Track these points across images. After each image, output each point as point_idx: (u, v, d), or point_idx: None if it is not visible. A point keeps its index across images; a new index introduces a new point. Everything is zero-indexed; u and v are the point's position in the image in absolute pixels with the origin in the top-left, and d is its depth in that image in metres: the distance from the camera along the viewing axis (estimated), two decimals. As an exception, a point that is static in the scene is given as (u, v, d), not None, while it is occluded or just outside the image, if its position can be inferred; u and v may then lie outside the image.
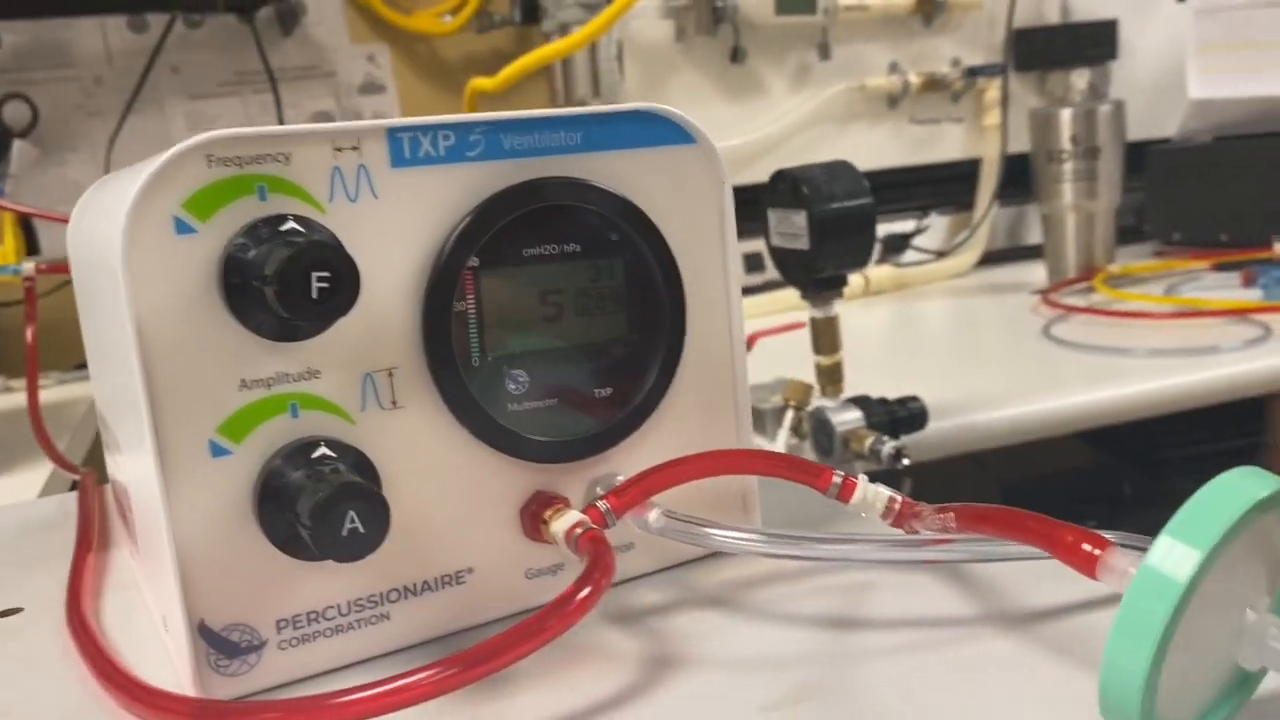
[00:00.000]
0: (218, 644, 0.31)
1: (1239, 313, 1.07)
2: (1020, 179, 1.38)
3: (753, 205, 0.84)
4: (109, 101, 1.23)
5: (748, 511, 0.39)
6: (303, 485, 0.29)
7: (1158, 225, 1.47)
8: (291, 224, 0.30)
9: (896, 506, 0.34)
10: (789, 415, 0.86)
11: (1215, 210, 1.37)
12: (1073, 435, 1.04)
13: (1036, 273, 1.37)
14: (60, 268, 0.63)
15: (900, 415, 0.83)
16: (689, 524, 0.33)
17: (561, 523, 0.33)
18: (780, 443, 0.85)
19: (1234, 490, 0.23)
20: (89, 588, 0.41)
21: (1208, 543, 0.22)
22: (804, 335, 0.87)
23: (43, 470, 0.73)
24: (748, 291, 1.29)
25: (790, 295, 1.13)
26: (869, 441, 0.80)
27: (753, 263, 1.31)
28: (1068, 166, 1.29)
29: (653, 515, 0.34)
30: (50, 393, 1.07)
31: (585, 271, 0.35)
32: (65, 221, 0.43)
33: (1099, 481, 1.22)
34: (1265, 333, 1.00)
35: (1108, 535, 0.27)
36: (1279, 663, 0.24)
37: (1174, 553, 0.22)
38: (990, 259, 1.50)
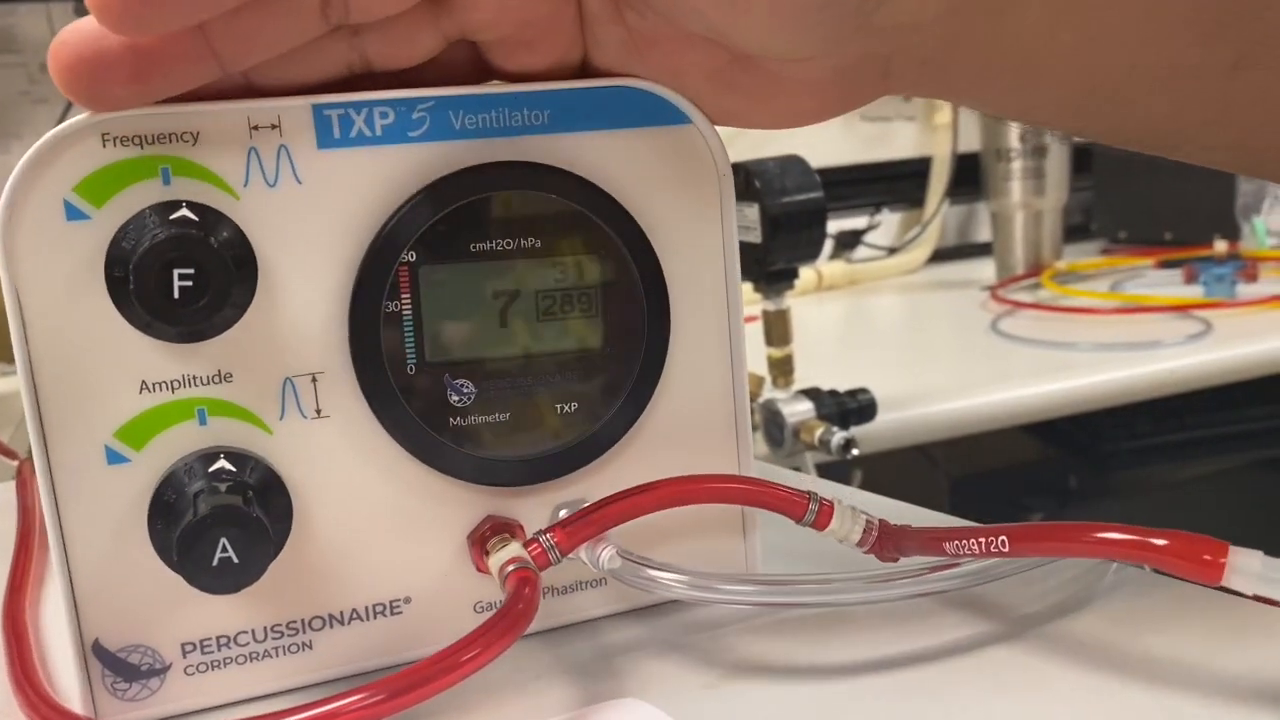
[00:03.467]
0: (115, 666, 0.27)
1: (1181, 309, 1.06)
2: (970, 177, 1.37)
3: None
4: (54, 89, 1.16)
5: (748, 532, 0.34)
6: (188, 504, 0.25)
7: (1104, 223, 1.46)
8: (184, 212, 0.25)
9: (874, 535, 0.30)
10: None
11: (1160, 209, 1.36)
12: (1019, 429, 1.03)
13: (986, 269, 1.36)
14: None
15: (850, 407, 0.81)
16: (643, 566, 0.29)
17: (500, 556, 0.28)
18: None
19: None
20: (34, 581, 0.38)
21: None
22: (756, 328, 0.85)
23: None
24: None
25: (744, 291, 1.11)
26: (819, 432, 0.78)
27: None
28: (1016, 165, 1.27)
29: (605, 554, 0.29)
30: (-6, 384, 1.02)
31: (548, 270, 0.30)
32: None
33: (1045, 475, 1.21)
34: (1206, 328, 0.99)
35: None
36: None
37: None
38: (941, 256, 1.48)
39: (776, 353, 0.85)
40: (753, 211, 0.80)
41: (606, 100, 0.30)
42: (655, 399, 0.31)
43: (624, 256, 0.30)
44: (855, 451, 0.77)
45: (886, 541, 0.30)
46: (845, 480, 0.88)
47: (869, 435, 0.81)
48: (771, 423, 0.82)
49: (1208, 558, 0.24)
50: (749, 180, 0.79)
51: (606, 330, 0.31)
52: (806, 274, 1.26)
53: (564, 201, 0.30)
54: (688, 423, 0.32)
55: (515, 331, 0.30)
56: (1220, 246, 1.20)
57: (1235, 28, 0.27)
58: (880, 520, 0.31)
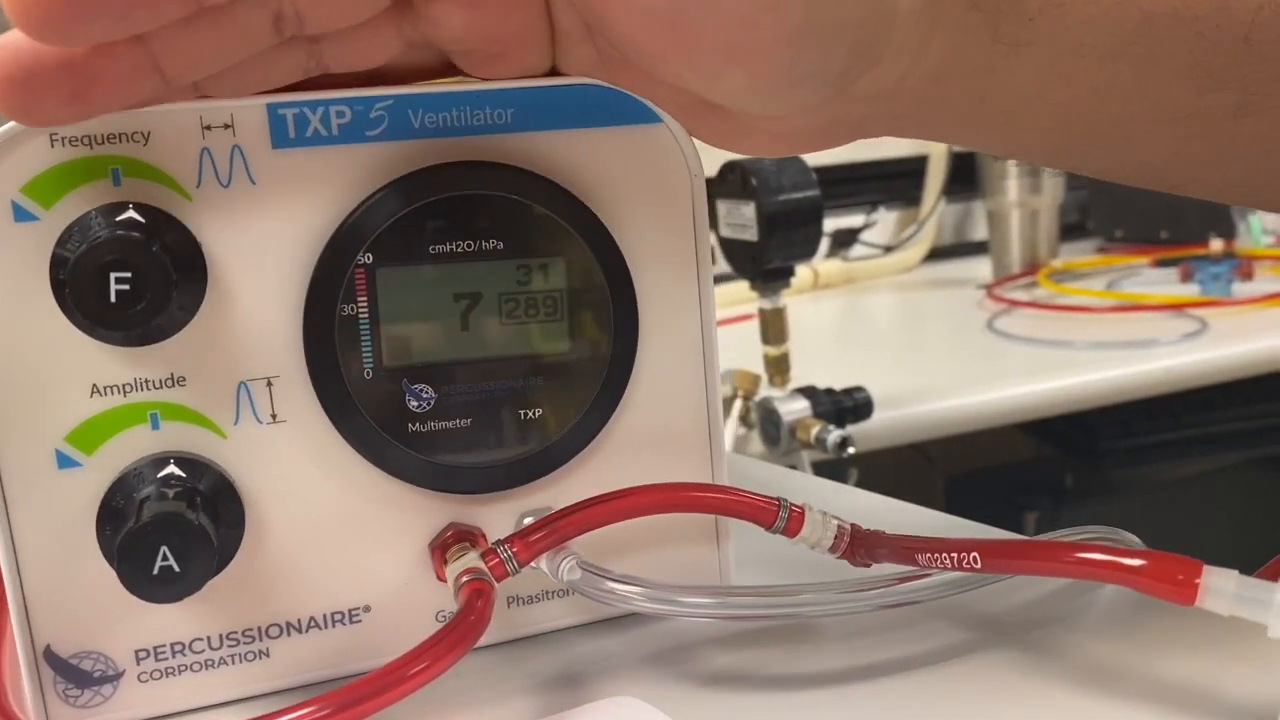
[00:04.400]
0: (67, 672, 0.27)
1: (1177, 307, 1.05)
2: (967, 175, 1.35)
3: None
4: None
5: (721, 540, 0.33)
6: (135, 510, 0.25)
7: (1100, 222, 1.45)
8: (131, 214, 0.24)
9: (845, 540, 0.29)
10: (737, 405, 0.84)
11: (1156, 208, 1.35)
12: (1015, 428, 1.02)
13: (982, 268, 1.35)
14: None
15: (846, 405, 0.81)
16: (602, 578, 0.27)
17: (456, 566, 0.27)
18: (728, 432, 0.82)
19: None
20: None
21: None
22: (753, 326, 0.85)
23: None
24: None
25: (740, 289, 1.11)
26: (815, 430, 0.78)
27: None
28: (1012, 163, 1.26)
29: (565, 565, 0.27)
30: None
31: (511, 272, 0.29)
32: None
33: (1041, 474, 1.20)
34: (1201, 326, 0.98)
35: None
36: None
37: None
38: (937, 254, 1.47)
39: (773, 351, 0.84)
40: (749, 209, 0.79)
41: (573, 99, 0.29)
42: (623, 405, 0.30)
43: (589, 259, 0.29)
44: (851, 450, 0.77)
45: (858, 547, 0.30)
46: (841, 479, 0.87)
47: (865, 433, 0.80)
48: (768, 421, 0.81)
49: (1181, 578, 0.23)
50: (745, 178, 0.78)
51: (572, 334, 0.30)
52: (803, 272, 1.25)
53: (527, 202, 0.29)
54: (658, 429, 0.31)
55: (477, 335, 0.29)
56: (1216, 245, 1.18)
57: (1237, 77, 0.26)
58: (852, 525, 0.30)
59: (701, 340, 0.31)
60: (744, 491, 0.29)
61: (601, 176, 0.30)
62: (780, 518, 0.29)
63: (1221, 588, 0.22)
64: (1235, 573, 0.22)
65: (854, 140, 0.29)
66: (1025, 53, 0.26)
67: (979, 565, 0.26)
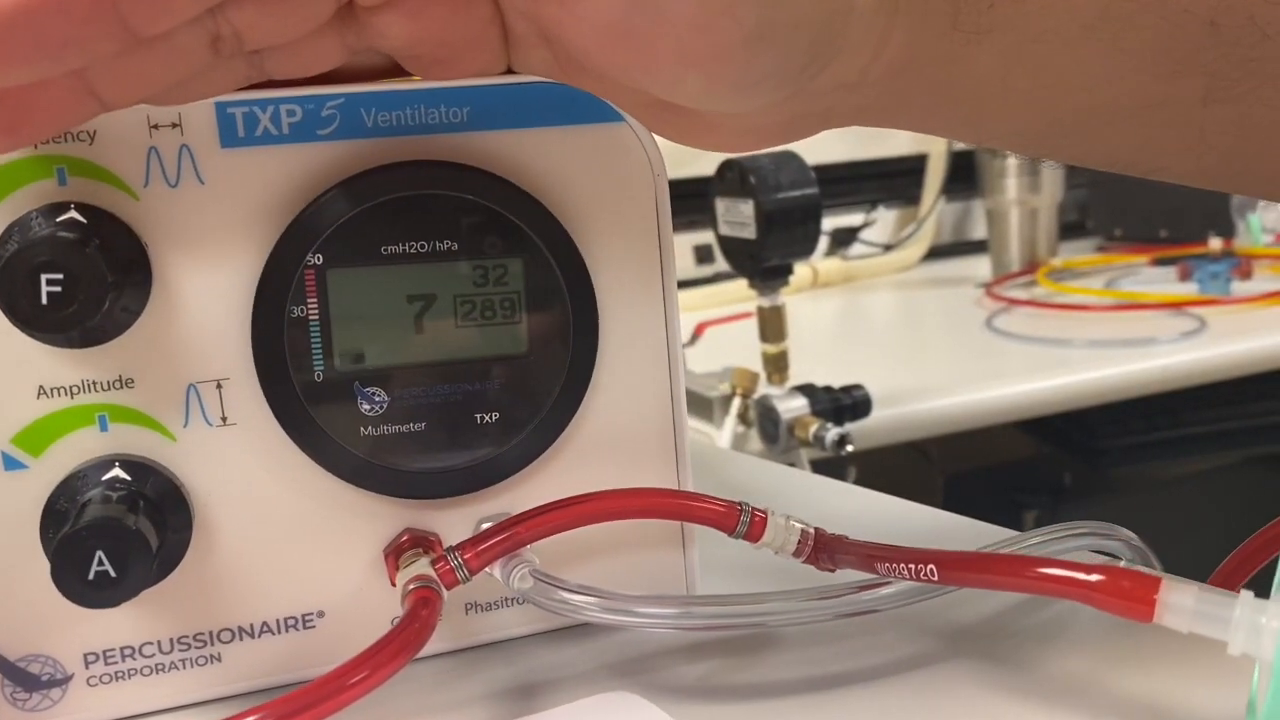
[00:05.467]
0: (14, 675, 0.26)
1: (1175, 306, 1.04)
2: (966, 174, 1.34)
3: (704, 198, 0.81)
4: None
5: (687, 547, 0.32)
6: (75, 513, 0.24)
7: (1100, 220, 1.44)
8: (71, 214, 0.24)
9: (809, 545, 0.28)
10: (735, 403, 0.83)
11: (1155, 207, 1.34)
12: (1014, 426, 1.01)
13: (981, 266, 1.34)
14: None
15: (845, 403, 0.80)
16: (554, 587, 0.26)
17: (406, 573, 0.26)
18: (727, 430, 0.82)
19: None
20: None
21: None
22: (751, 325, 0.84)
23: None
24: (698, 283, 1.24)
25: (739, 288, 1.10)
26: (813, 428, 0.77)
27: (703, 254, 1.25)
28: (1012, 162, 1.24)
29: (517, 573, 0.26)
30: None
31: (467, 273, 0.28)
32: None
33: (1040, 472, 1.19)
34: (1200, 325, 0.97)
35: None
36: None
37: None
38: (936, 253, 1.46)
39: (771, 349, 0.84)
40: (747, 207, 0.78)
41: (530, 97, 0.28)
42: (584, 409, 0.29)
43: (547, 260, 0.28)
44: (850, 448, 0.76)
45: (822, 552, 0.29)
46: (840, 477, 0.87)
47: (864, 431, 0.80)
48: (766, 418, 0.81)
49: (1139, 595, 0.22)
50: (744, 176, 0.78)
51: (530, 336, 0.29)
52: (801, 270, 1.24)
53: (483, 203, 0.28)
54: (620, 434, 0.30)
55: (431, 337, 0.28)
56: (1215, 244, 1.17)
57: (1204, 63, 0.25)
58: (816, 530, 0.29)
59: (666, 343, 0.30)
60: (704, 496, 0.28)
61: (560, 176, 0.29)
62: (742, 523, 0.28)
63: (1180, 604, 0.21)
64: (1195, 587, 0.21)
65: (820, 131, 0.28)
66: (986, 41, 0.25)
67: (935, 577, 0.25)
